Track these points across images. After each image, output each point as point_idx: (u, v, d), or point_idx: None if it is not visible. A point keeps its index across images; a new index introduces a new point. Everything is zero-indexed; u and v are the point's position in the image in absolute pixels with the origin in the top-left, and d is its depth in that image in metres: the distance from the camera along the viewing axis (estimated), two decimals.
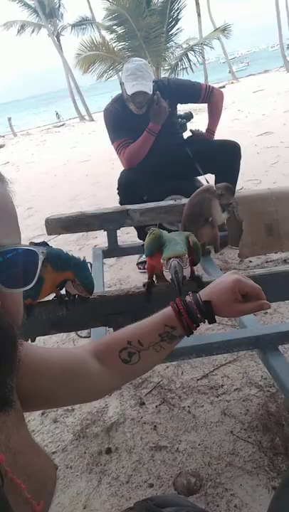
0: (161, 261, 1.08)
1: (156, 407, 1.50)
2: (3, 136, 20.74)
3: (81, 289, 1.14)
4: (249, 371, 1.57)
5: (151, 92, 2.31)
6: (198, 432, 1.36)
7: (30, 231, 3.97)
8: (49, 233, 2.15)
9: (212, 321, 0.73)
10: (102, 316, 1.22)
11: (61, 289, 1.21)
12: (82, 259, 1.15)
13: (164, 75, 11.27)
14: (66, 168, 7.47)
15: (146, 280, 1.25)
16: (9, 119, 20.59)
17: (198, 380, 1.58)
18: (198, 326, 0.72)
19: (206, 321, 0.73)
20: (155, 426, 1.42)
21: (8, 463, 0.51)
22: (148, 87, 2.29)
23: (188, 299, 0.72)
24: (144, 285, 1.24)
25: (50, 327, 1.23)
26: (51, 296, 1.23)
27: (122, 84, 2.41)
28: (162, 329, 0.71)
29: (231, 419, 1.38)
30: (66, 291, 1.18)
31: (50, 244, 1.23)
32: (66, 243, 3.52)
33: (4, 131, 22.62)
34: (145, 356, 0.70)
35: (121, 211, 2.13)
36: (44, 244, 1.22)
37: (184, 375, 1.62)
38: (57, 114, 25.87)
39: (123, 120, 2.47)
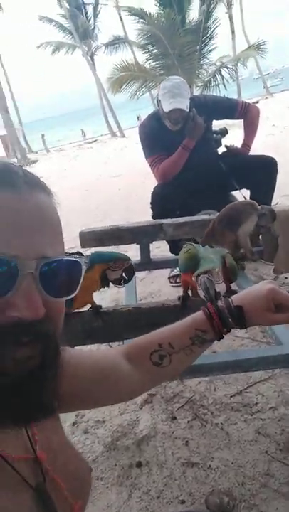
0: (193, 278, 1.08)
1: (188, 422, 1.48)
2: (37, 153, 21.47)
3: (118, 264, 1.16)
4: (285, 390, 1.53)
5: (187, 110, 2.34)
6: (232, 449, 1.33)
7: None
8: (82, 246, 2.19)
9: (243, 326, 0.72)
10: (137, 328, 1.22)
11: (107, 285, 1.21)
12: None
13: (196, 91, 11.40)
14: (98, 183, 7.62)
15: (182, 294, 1.26)
16: (42, 135, 21.36)
17: (231, 396, 1.55)
18: (229, 330, 0.72)
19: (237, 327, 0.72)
20: (187, 441, 1.40)
21: (49, 462, 0.53)
22: (185, 105, 2.33)
23: (220, 303, 0.72)
24: (179, 298, 1.24)
25: (86, 337, 1.25)
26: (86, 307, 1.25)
27: (158, 101, 2.46)
28: (193, 333, 0.71)
29: (266, 439, 1.34)
30: (112, 281, 1.20)
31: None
32: None
33: (38, 147, 23.41)
34: (176, 359, 0.70)
35: (154, 225, 2.15)
36: (79, 254, 1.24)
37: (217, 391, 1.60)
38: (82, 132, 26.53)
39: (158, 136, 2.51)
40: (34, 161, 16.24)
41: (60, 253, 0.47)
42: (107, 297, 2.44)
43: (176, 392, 1.63)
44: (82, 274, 0.50)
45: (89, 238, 2.16)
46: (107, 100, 22.61)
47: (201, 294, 1.04)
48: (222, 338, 0.72)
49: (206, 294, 1.00)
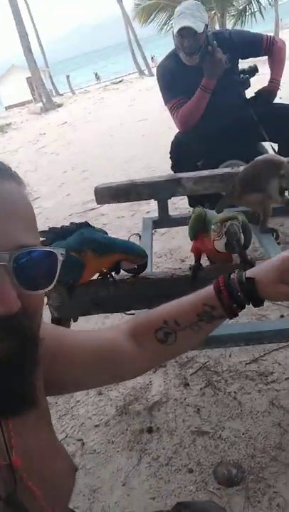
0: (212, 227, 0.98)
1: (201, 389, 1.45)
2: (62, 95, 20.77)
3: (138, 259, 1.11)
4: None
5: (200, 32, 2.07)
6: (243, 420, 1.30)
7: (85, 195, 3.98)
8: (98, 202, 2.09)
9: (257, 303, 0.63)
10: (146, 299, 1.16)
11: (117, 272, 1.16)
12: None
13: (230, 23, 10.42)
14: (122, 128, 7.32)
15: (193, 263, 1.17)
16: (67, 77, 20.53)
17: (246, 364, 1.50)
18: (241, 307, 0.64)
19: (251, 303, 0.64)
20: (198, 409, 1.38)
21: (24, 468, 0.50)
22: (196, 25, 2.05)
23: (232, 276, 0.64)
24: (190, 268, 1.16)
25: (93, 307, 1.20)
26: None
27: (174, 36, 2.21)
28: (201, 308, 0.64)
29: (280, 411, 1.30)
30: (123, 269, 1.14)
31: (92, 225, 1.17)
32: (119, 208, 3.48)
33: (64, 88, 22.59)
34: (182, 337, 0.65)
35: (173, 179, 2.02)
36: (86, 224, 1.16)
37: (232, 357, 1.55)
38: (96, 75, 24.77)
39: (177, 78, 2.28)
40: (59, 105, 15.72)
41: (35, 244, 0.45)
42: None
43: (191, 356, 1.60)
44: (59, 266, 0.47)
45: (104, 194, 2.06)
46: (134, 34, 21.19)
47: (221, 246, 0.95)
48: (235, 315, 0.64)
49: (234, 242, 0.91)
